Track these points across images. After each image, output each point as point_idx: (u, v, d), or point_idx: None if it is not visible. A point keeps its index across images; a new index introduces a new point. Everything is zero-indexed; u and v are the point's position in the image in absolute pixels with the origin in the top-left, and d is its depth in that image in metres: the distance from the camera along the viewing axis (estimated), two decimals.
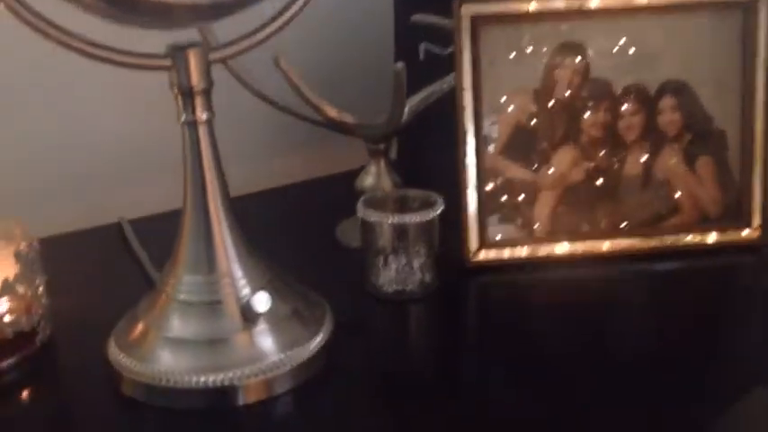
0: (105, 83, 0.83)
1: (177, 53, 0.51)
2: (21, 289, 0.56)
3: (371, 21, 0.95)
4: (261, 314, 0.53)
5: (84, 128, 0.84)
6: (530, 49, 0.70)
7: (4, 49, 0.77)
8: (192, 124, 0.52)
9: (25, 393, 0.56)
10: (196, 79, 0.51)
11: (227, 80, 0.73)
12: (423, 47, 0.89)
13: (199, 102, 0.52)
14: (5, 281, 0.55)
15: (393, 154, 0.92)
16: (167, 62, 0.51)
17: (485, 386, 0.56)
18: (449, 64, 0.72)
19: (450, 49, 0.87)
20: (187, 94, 0.51)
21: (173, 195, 0.81)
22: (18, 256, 0.56)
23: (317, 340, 0.57)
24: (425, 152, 0.92)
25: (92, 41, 0.48)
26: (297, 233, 0.81)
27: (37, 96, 0.81)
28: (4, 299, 0.56)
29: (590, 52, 0.70)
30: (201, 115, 0.52)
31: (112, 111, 0.85)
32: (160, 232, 0.74)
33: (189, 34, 0.53)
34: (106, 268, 0.73)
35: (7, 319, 0.56)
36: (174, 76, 0.51)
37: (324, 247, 0.77)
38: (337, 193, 0.87)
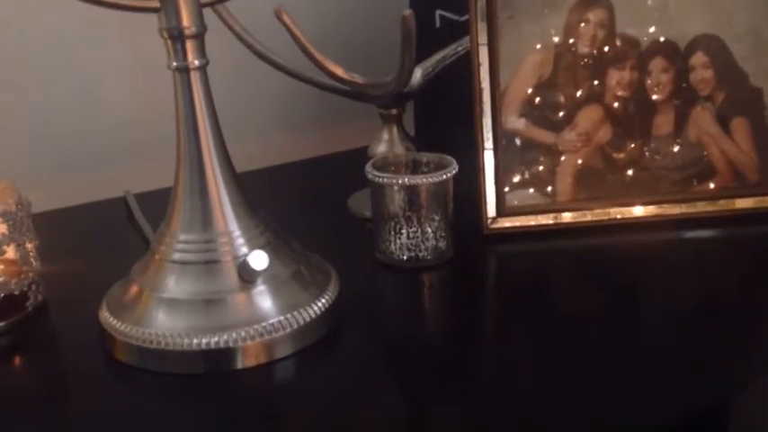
0: (112, 57, 0.82)
1: None
2: (9, 250, 0.54)
3: None
4: (258, 273, 0.50)
5: (91, 102, 0.82)
6: (550, 4, 0.66)
7: (15, 24, 0.75)
8: (184, 70, 0.49)
9: (15, 359, 0.53)
10: (187, 21, 0.48)
11: (240, 53, 0.71)
12: (439, 14, 0.86)
13: (190, 46, 0.49)
14: None
15: (411, 131, 0.89)
16: (156, 3, 0.48)
17: (496, 361, 0.52)
18: (466, 30, 0.68)
19: (467, 15, 0.84)
20: (177, 38, 0.48)
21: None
22: (6, 216, 0.53)
23: (320, 303, 0.53)
24: (444, 128, 0.88)
25: None
26: (309, 205, 0.78)
27: (45, 71, 0.79)
28: None
29: (615, 5, 0.66)
30: (194, 61, 0.49)
31: (120, 86, 0.83)
32: (164, 206, 0.72)
33: None
34: (108, 240, 0.71)
35: None
36: (163, 19, 0.48)
37: (336, 217, 0.74)
38: (351, 167, 0.83)
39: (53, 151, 0.82)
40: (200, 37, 0.49)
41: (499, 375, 0.50)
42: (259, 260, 0.50)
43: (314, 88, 0.72)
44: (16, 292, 0.54)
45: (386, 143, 0.73)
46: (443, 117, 0.86)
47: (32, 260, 0.56)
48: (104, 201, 0.79)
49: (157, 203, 0.74)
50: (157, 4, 0.47)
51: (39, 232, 0.58)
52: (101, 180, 0.83)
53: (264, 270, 0.50)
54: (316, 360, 0.51)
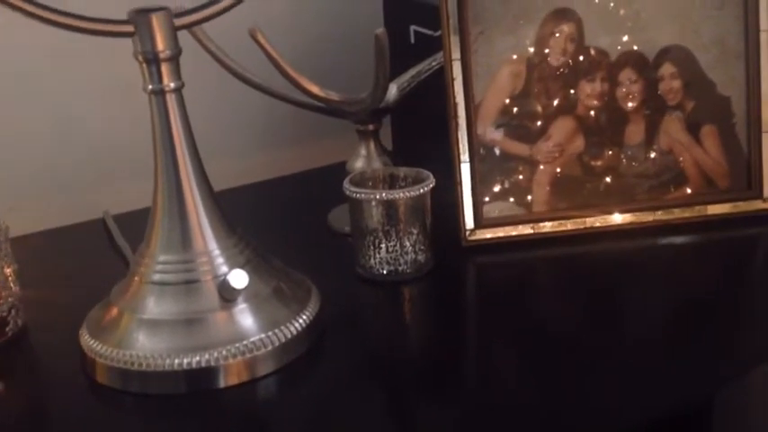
0: (89, 78, 0.82)
1: (140, 18, 0.48)
2: None
3: (358, 2, 0.93)
4: (238, 291, 0.50)
5: (69, 124, 0.82)
6: (521, 18, 0.67)
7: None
8: (160, 93, 0.50)
9: None
10: (162, 45, 0.49)
11: (218, 74, 0.71)
12: (413, 29, 0.87)
13: (165, 69, 0.49)
14: None
15: (389, 145, 0.89)
16: (130, 28, 0.48)
17: (481, 369, 0.53)
18: (441, 46, 0.69)
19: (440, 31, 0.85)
20: (152, 61, 0.49)
21: None
22: None
23: (301, 320, 0.53)
24: (421, 141, 0.89)
25: (50, 7, 0.46)
26: (288, 221, 0.78)
27: (17, 93, 0.79)
28: None
29: (583, 18, 0.67)
30: (169, 83, 0.50)
31: (97, 108, 0.83)
32: (144, 226, 0.72)
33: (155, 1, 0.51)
34: (88, 262, 0.71)
35: None
36: (138, 43, 0.49)
37: (315, 233, 0.74)
38: (330, 182, 0.84)
39: (29, 174, 0.81)
40: (174, 59, 0.50)
41: (484, 385, 0.51)
42: (239, 279, 0.50)
43: (290, 105, 0.73)
44: None
45: (363, 158, 0.74)
46: (421, 130, 0.86)
47: (11, 285, 0.56)
48: (83, 223, 0.78)
49: (137, 224, 0.74)
50: (131, 29, 0.48)
51: (17, 256, 0.58)
52: (79, 202, 0.83)
53: (244, 288, 0.51)
54: (298, 377, 0.52)
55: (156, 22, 0.48)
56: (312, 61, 0.90)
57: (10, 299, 0.55)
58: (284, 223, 0.78)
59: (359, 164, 0.73)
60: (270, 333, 0.52)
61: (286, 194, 0.85)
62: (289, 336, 0.52)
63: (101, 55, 0.81)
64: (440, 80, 0.70)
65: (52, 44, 0.79)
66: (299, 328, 0.53)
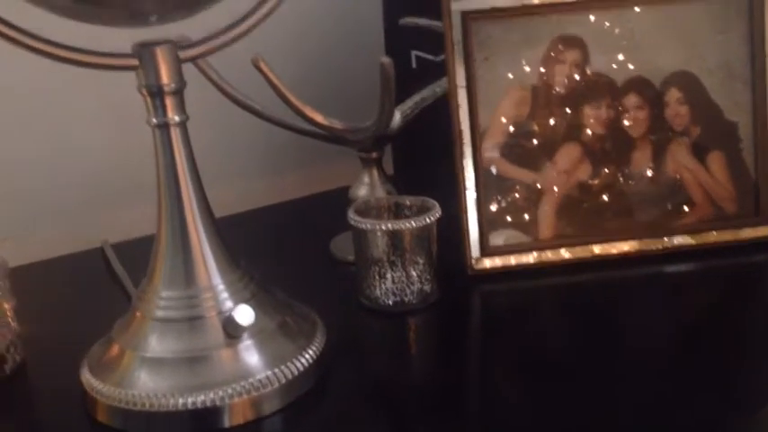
0: (82, 106, 0.81)
1: (144, 51, 0.47)
2: None
3: (360, 28, 0.92)
4: (244, 328, 0.49)
5: (64, 153, 0.81)
6: (525, 44, 0.66)
7: None
8: (164, 127, 0.49)
9: None
10: (166, 78, 0.48)
11: (217, 99, 0.71)
12: (415, 54, 0.86)
13: (170, 102, 0.48)
14: None
15: (390, 170, 0.89)
16: (134, 61, 0.47)
17: (490, 401, 0.52)
18: (442, 70, 0.68)
19: (443, 56, 0.84)
20: (156, 95, 0.48)
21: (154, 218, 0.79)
22: None
23: (307, 355, 0.52)
24: (422, 167, 0.88)
25: (53, 41, 0.45)
26: (290, 249, 0.77)
27: (12, 121, 0.78)
28: None
29: (588, 45, 0.67)
30: (174, 117, 0.49)
31: (91, 135, 0.82)
32: (144, 256, 0.71)
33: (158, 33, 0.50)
34: (86, 294, 0.69)
35: None
36: (142, 76, 0.48)
37: (318, 262, 0.73)
38: (332, 208, 0.83)
39: (23, 203, 0.80)
40: (179, 93, 0.49)
41: (492, 418, 0.49)
42: (245, 315, 0.49)
43: (290, 132, 0.72)
44: None
45: (367, 186, 0.73)
46: (422, 155, 0.86)
47: (10, 321, 0.54)
48: (80, 252, 0.77)
49: (137, 252, 0.72)
50: (136, 63, 0.47)
51: (13, 288, 0.57)
52: (75, 231, 0.81)
53: (250, 325, 0.49)
54: (304, 414, 0.51)
55: (161, 55, 0.47)
56: (311, 89, 0.89)
57: (9, 336, 0.54)
58: (285, 251, 0.77)
59: (362, 191, 0.72)
60: (276, 370, 0.50)
61: (286, 221, 0.84)
62: (296, 372, 0.51)
63: (95, 80, 0.80)
64: (440, 105, 0.70)
65: (45, 72, 0.78)
66: (306, 364, 0.52)
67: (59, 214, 0.81)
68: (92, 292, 0.69)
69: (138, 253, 0.71)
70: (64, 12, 0.46)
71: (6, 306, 0.54)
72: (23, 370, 0.56)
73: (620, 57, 0.67)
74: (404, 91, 0.72)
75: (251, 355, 0.51)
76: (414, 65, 0.86)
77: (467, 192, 0.66)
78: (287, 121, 0.72)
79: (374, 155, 0.72)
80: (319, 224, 0.79)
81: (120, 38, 0.50)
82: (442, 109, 0.69)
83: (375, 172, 0.73)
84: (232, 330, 0.50)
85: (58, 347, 0.59)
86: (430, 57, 0.83)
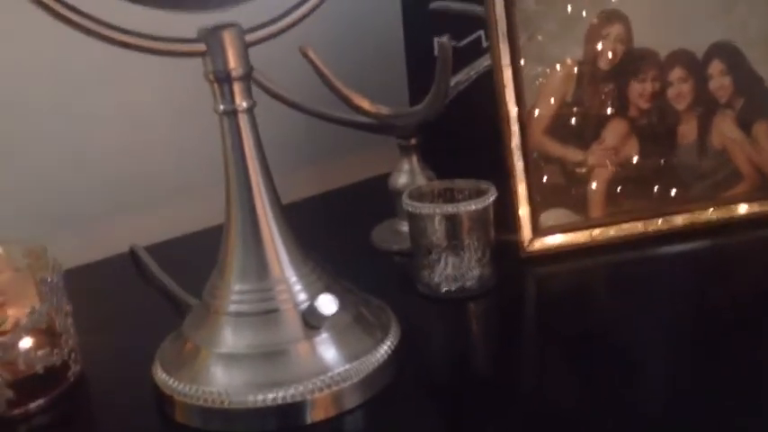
0: (100, 110, 0.78)
1: (211, 35, 0.45)
2: (48, 319, 0.50)
3: (377, 16, 0.91)
4: (327, 317, 0.47)
5: (82, 157, 0.78)
6: (568, 21, 0.65)
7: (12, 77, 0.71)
8: (232, 113, 0.47)
9: None
10: (234, 63, 0.46)
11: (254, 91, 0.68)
12: (438, 40, 0.85)
13: (238, 88, 0.47)
14: (32, 311, 0.49)
15: None
16: (201, 46, 0.45)
17: (570, 389, 0.50)
18: (466, 56, 0.67)
19: (465, 41, 0.83)
20: (224, 80, 0.46)
21: (173, 222, 0.76)
22: (44, 284, 0.49)
23: (385, 348, 0.51)
24: (453, 154, 0.87)
25: (121, 28, 0.43)
26: (332, 241, 0.75)
27: (33, 126, 0.75)
28: (31, 331, 0.49)
29: (631, 19, 0.66)
30: (242, 103, 0.47)
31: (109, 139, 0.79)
32: (172, 258, 0.69)
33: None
34: (125, 297, 0.67)
35: (35, 353, 0.49)
36: (209, 62, 0.46)
37: (362, 253, 0.72)
38: (369, 197, 0.82)
39: (44, 210, 0.77)
40: (246, 78, 0.47)
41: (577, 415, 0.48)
42: (328, 304, 0.47)
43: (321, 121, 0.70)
44: (58, 363, 0.51)
45: (407, 174, 0.71)
46: (455, 143, 0.84)
47: (70, 327, 0.52)
48: (107, 258, 0.74)
49: (164, 256, 0.70)
50: (203, 48, 0.45)
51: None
52: (94, 237, 0.78)
53: (332, 315, 0.48)
54: (385, 408, 0.49)
55: (229, 39, 0.45)
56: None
57: (70, 341, 0.52)
58: (328, 243, 0.75)
59: (403, 179, 0.71)
60: (355, 363, 0.49)
61: (325, 212, 0.83)
62: (375, 365, 0.49)
63: (113, 83, 0.77)
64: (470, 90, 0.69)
65: (65, 75, 0.75)
66: (385, 356, 0.50)
67: (77, 221, 0.78)
68: (128, 294, 0.67)
69: (164, 256, 0.69)
70: None
71: (67, 308, 0.52)
72: (84, 377, 0.54)
73: (664, 30, 0.66)
74: (428, 78, 0.71)
75: (328, 349, 0.49)
76: (436, 51, 0.85)
77: (516, 173, 0.65)
78: (320, 110, 0.70)
79: (413, 141, 0.71)
80: (358, 214, 0.77)
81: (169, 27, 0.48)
82: (466, 97, 0.68)
83: (414, 159, 0.72)
84: (314, 321, 0.48)
85: (110, 354, 0.56)
86: (453, 42, 0.82)
